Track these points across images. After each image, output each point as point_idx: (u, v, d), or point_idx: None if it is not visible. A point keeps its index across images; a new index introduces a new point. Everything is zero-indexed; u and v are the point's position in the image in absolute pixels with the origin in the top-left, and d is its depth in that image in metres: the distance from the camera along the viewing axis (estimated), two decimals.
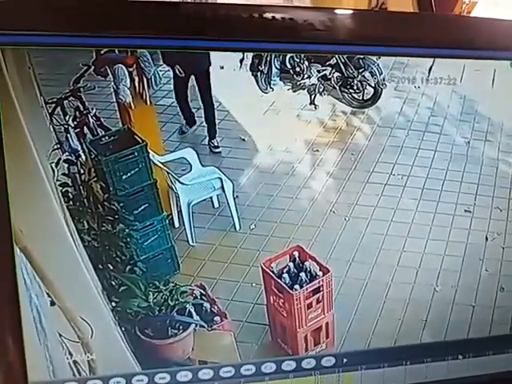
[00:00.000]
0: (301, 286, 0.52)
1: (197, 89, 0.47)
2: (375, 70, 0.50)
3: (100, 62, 0.43)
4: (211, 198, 0.51)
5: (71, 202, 0.45)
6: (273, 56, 0.48)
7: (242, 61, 0.47)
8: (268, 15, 0.45)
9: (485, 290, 0.57)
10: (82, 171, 0.45)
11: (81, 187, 0.45)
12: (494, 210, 0.56)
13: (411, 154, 0.53)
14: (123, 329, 0.48)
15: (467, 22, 0.57)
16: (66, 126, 0.44)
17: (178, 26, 0.44)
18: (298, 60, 0.48)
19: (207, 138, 0.49)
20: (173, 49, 0.45)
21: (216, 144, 0.49)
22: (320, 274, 0.52)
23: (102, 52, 0.43)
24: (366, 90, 0.51)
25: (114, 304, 0.47)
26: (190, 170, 0.49)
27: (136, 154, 0.46)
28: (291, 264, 0.52)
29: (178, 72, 0.46)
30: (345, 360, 0.54)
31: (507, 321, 0.58)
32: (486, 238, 0.56)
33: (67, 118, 0.44)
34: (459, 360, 0.57)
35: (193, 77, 0.47)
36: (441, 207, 0.55)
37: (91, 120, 0.44)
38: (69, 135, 0.44)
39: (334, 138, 0.51)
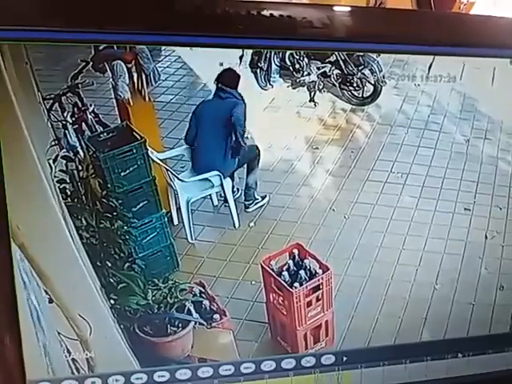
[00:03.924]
0: (300, 284, 0.52)
1: None
2: (375, 67, 0.50)
3: (98, 58, 0.43)
4: (210, 195, 0.51)
5: (69, 199, 0.45)
6: (272, 53, 0.47)
7: (241, 58, 0.46)
8: (267, 12, 0.45)
9: (484, 288, 0.57)
10: (80, 168, 0.45)
11: (79, 184, 0.45)
12: (493, 208, 0.56)
13: (411, 152, 0.53)
14: (122, 326, 0.48)
15: (467, 19, 0.57)
16: (64, 123, 0.43)
17: (177, 23, 0.44)
18: (297, 57, 0.48)
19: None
20: (171, 45, 0.44)
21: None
22: (320, 271, 0.52)
23: (101, 48, 0.43)
24: (365, 88, 0.51)
25: (112, 301, 0.47)
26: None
27: (134, 150, 0.46)
28: (291, 262, 0.52)
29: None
30: (344, 358, 0.53)
31: (507, 319, 0.58)
32: (486, 237, 0.56)
33: (65, 114, 0.43)
34: (459, 358, 0.57)
35: None
36: (440, 205, 0.55)
37: (89, 116, 0.44)
38: (67, 131, 0.44)
39: (333, 135, 0.51)
